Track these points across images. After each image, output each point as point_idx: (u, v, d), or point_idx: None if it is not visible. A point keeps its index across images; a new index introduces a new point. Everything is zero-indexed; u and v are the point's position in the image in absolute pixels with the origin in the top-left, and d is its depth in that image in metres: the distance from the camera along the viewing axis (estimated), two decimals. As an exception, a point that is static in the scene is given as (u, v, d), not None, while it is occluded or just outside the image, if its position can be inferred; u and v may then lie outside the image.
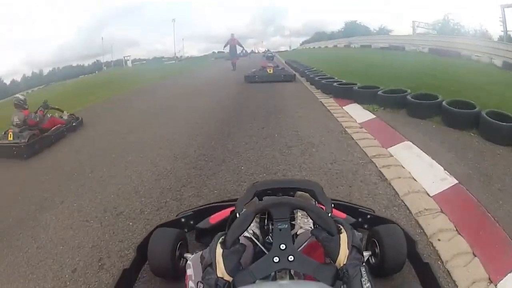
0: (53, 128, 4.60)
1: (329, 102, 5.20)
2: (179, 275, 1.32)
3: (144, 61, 41.81)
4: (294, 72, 8.98)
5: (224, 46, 11.85)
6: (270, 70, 8.15)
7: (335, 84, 5.70)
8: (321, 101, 5.28)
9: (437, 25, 21.02)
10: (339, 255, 0.85)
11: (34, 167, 3.50)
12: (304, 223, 1.42)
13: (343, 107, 4.66)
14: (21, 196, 2.65)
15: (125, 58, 41.72)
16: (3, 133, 4.47)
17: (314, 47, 37.07)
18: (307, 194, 1.21)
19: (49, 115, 4.82)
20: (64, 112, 5.20)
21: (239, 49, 12.71)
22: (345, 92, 5.17)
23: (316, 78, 6.72)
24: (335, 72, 7.53)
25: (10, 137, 4.35)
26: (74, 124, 4.98)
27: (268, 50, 26.48)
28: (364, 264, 0.85)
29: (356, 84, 5.26)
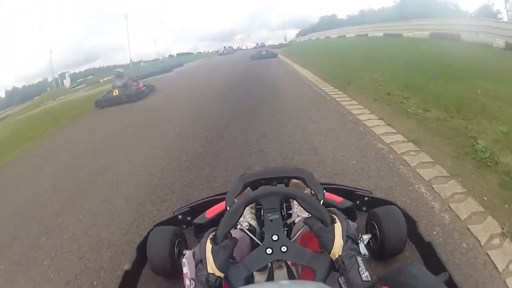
0: (139, 90, 9.82)
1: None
2: (179, 272, 1.47)
3: (91, 76, 32.79)
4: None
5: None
6: (263, 52, 18.89)
7: None
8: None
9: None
10: (334, 246, 0.91)
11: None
12: (301, 211, 1.50)
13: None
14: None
15: (58, 75, 32.54)
16: (106, 92, 9.86)
17: (337, 36, 28.51)
18: (300, 181, 1.20)
19: (135, 83, 10.15)
20: (141, 82, 10.63)
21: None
22: None
23: None
24: None
25: (116, 93, 9.22)
26: (149, 88, 10.51)
27: (257, 43, 35.09)
28: (360, 253, 0.92)
29: None
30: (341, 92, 6.01)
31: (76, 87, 28.52)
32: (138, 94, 9.32)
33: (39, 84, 30.87)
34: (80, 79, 32.50)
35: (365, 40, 21.20)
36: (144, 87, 10.19)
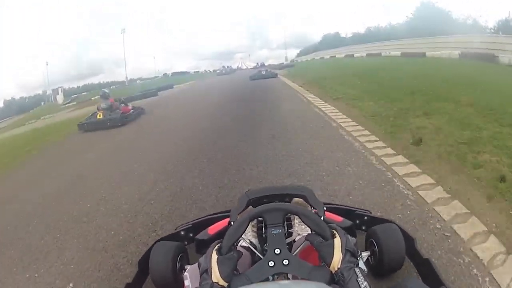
0: (127, 113, 9.26)
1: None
2: (181, 287, 1.51)
3: (85, 93, 30.72)
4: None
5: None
6: (263, 72, 19.93)
7: None
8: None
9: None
10: (333, 259, 0.97)
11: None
12: (301, 230, 1.65)
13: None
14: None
15: (52, 91, 30.60)
16: (90, 115, 9.15)
17: (344, 55, 24.94)
18: (302, 200, 1.28)
19: (123, 105, 9.59)
20: (130, 104, 10.36)
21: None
22: None
23: None
24: None
25: (100, 116, 8.60)
26: (138, 111, 9.99)
27: (257, 63, 35.17)
28: (358, 265, 0.97)
29: None
30: (414, 166, 3.03)
31: (68, 104, 27.35)
32: (122, 119, 8.75)
33: (36, 97, 31.38)
34: (74, 95, 30.54)
35: (382, 60, 18.07)
36: (132, 110, 9.69)
